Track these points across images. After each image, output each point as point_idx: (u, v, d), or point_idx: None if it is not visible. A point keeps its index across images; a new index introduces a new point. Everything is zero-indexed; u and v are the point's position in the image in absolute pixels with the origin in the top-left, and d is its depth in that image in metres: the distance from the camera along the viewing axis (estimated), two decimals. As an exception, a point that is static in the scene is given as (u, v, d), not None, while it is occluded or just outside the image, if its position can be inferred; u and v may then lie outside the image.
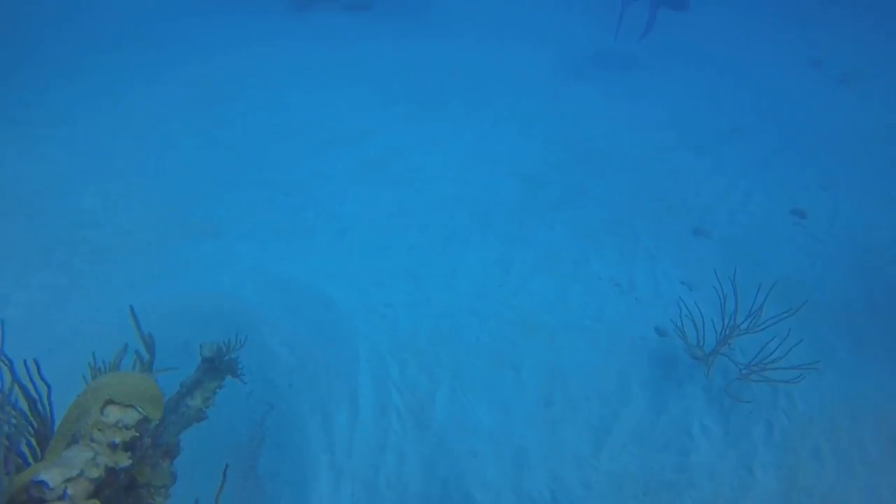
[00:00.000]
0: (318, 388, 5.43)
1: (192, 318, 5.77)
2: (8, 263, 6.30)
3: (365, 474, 4.82)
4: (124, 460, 2.54)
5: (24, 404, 2.91)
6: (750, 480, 5.18)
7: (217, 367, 4.37)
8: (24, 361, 2.92)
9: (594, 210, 8.22)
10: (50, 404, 2.99)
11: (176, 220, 7.19)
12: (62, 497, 2.24)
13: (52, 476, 2.28)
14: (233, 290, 6.18)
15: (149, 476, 2.82)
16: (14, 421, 2.71)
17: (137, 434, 2.66)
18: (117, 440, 2.57)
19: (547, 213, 8.04)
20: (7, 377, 2.77)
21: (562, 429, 5.33)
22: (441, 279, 6.64)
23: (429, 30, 14.54)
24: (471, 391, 5.48)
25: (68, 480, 2.30)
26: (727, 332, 5.85)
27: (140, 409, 2.76)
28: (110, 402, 2.74)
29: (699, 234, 7.91)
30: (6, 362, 2.85)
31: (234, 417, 5.22)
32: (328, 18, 14.43)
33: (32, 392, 2.93)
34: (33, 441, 2.94)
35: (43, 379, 2.99)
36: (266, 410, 5.33)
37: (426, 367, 5.60)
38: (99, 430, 2.57)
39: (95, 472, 2.39)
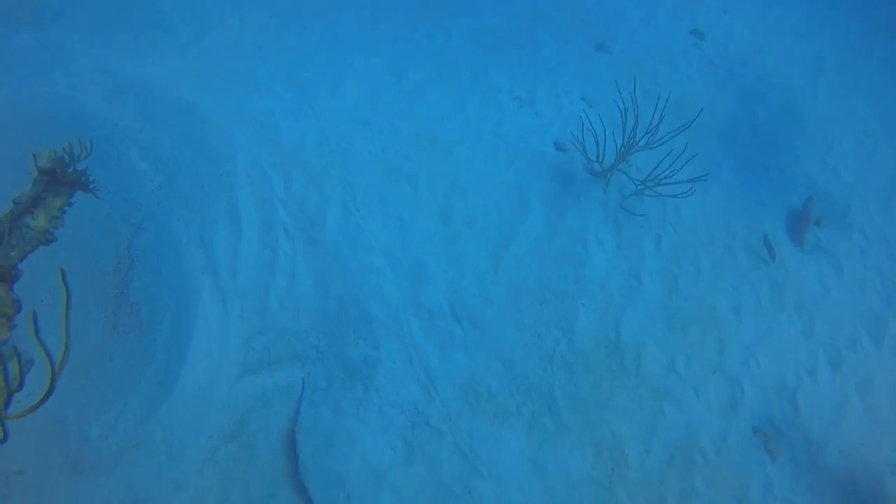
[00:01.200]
0: (192, 206, 4.81)
1: (17, 127, 4.76)
2: None
3: (254, 294, 4.45)
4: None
5: None
6: (637, 288, 5.41)
7: (60, 179, 3.65)
8: None
9: (494, 18, 7.54)
10: None
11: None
12: None
13: None
14: (71, 93, 5.12)
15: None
16: None
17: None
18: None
19: (443, 20, 7.28)
20: None
21: (460, 244, 5.17)
22: (327, 86, 5.90)
23: None
24: (364, 206, 5.10)
25: None
26: (626, 147, 5.76)
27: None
28: None
29: (601, 49, 7.56)
30: None
31: (94, 240, 4.56)
32: None
33: None
34: None
35: None
36: (133, 233, 4.69)
37: (315, 181, 5.09)
38: None
39: None
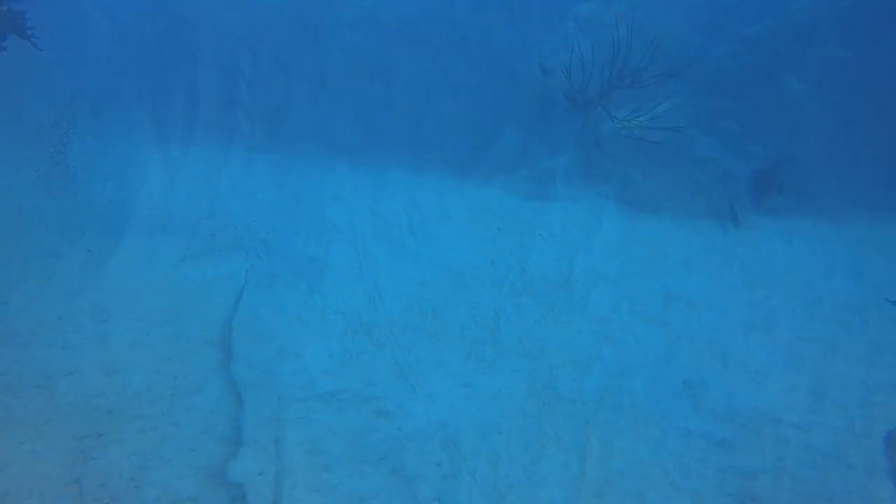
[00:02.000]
0: (146, 71, 4.40)
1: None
2: None
3: (205, 176, 4.18)
4: None
5: None
6: (597, 227, 5.38)
7: (-8, 17, 3.23)
8: None
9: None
10: None
11: None
12: None
13: None
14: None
15: None
16: None
17: None
18: None
19: None
20: None
21: (427, 154, 4.98)
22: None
23: None
24: (333, 99, 4.79)
25: None
26: (612, 82, 5.56)
27: None
28: None
29: (604, -25, 7.15)
30: None
31: (31, 90, 4.14)
32: None
33: None
34: None
35: None
36: (77, 87, 4.26)
37: (284, 65, 4.71)
38: None
39: None
